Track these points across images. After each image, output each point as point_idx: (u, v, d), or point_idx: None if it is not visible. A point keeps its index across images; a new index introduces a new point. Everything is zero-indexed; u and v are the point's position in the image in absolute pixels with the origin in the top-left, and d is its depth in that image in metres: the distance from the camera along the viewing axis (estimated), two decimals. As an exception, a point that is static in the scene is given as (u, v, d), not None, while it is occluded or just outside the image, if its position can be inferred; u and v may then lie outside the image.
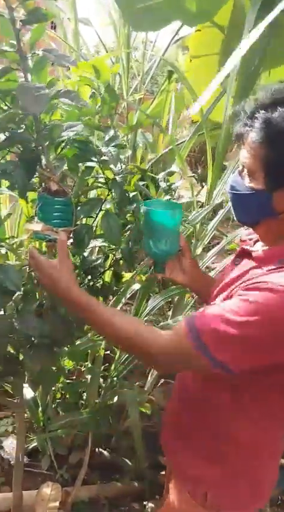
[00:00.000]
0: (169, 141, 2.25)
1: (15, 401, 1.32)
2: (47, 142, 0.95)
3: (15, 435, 1.74)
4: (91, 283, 1.26)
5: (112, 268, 1.32)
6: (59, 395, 1.62)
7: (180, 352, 0.75)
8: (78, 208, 1.02)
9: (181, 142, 2.35)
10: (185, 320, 0.76)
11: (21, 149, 0.97)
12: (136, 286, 1.53)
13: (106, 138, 1.04)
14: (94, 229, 1.07)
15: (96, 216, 1.08)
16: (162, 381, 1.89)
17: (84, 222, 1.12)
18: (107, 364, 1.73)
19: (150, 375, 1.83)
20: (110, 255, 1.26)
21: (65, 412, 1.57)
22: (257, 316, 0.69)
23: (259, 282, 0.73)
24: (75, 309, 0.85)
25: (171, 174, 1.16)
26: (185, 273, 1.04)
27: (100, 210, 1.04)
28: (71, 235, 1.01)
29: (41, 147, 0.95)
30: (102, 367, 1.67)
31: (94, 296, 1.27)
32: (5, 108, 0.98)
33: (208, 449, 0.89)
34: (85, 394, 1.66)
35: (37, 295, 1.13)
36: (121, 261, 1.31)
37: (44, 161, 0.97)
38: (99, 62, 1.00)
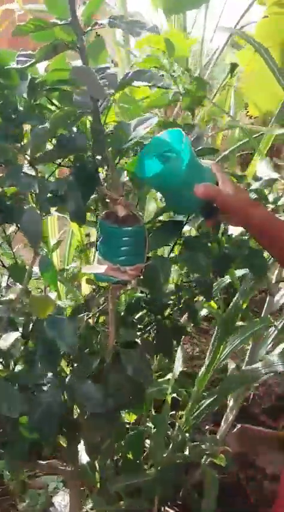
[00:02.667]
0: (230, 141, 1.97)
1: (69, 468, 1.08)
2: (110, 149, 0.70)
3: (67, 489, 1.50)
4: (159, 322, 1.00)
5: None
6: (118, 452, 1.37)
7: None
8: (149, 235, 0.76)
9: (243, 143, 2.08)
10: None
11: (75, 162, 0.73)
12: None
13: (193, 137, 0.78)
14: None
15: (174, 244, 0.82)
16: (239, 425, 1.59)
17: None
18: (173, 412, 1.46)
19: (223, 421, 1.54)
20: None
21: (126, 472, 1.31)
22: None
23: None
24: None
25: (273, 182, 0.87)
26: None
27: (180, 236, 0.78)
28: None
29: (101, 157, 0.70)
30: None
31: (165, 339, 1.02)
32: (53, 108, 0.75)
33: None
34: (149, 444, 1.39)
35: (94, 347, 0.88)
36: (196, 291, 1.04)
37: (103, 175, 0.72)
38: (173, 34, 0.74)
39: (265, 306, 1.33)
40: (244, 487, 1.65)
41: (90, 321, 0.85)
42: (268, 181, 0.83)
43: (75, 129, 0.73)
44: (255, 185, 0.86)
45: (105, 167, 0.72)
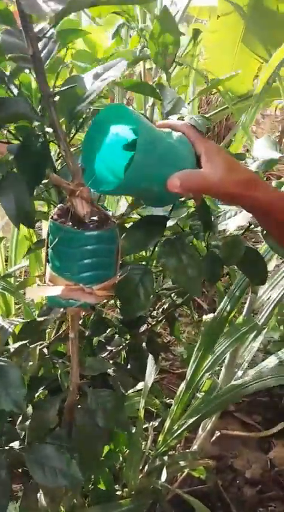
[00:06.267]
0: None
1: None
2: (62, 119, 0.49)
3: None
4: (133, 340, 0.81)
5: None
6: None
7: None
8: (122, 237, 0.57)
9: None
10: None
11: (17, 136, 0.51)
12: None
13: (167, 102, 0.58)
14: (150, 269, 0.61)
15: (154, 248, 0.62)
16: (218, 433, 1.45)
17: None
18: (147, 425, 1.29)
19: (201, 428, 1.39)
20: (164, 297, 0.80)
21: (95, 503, 1.13)
22: None
23: None
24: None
25: (274, 163, 0.70)
26: None
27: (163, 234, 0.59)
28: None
29: (52, 130, 0.49)
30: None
31: (140, 361, 0.84)
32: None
33: None
34: (123, 465, 1.22)
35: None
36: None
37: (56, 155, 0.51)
38: None
39: (247, 304, 1.17)
40: (223, 494, 1.53)
41: (45, 350, 0.64)
42: (269, 163, 0.65)
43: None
44: (252, 168, 0.67)
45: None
